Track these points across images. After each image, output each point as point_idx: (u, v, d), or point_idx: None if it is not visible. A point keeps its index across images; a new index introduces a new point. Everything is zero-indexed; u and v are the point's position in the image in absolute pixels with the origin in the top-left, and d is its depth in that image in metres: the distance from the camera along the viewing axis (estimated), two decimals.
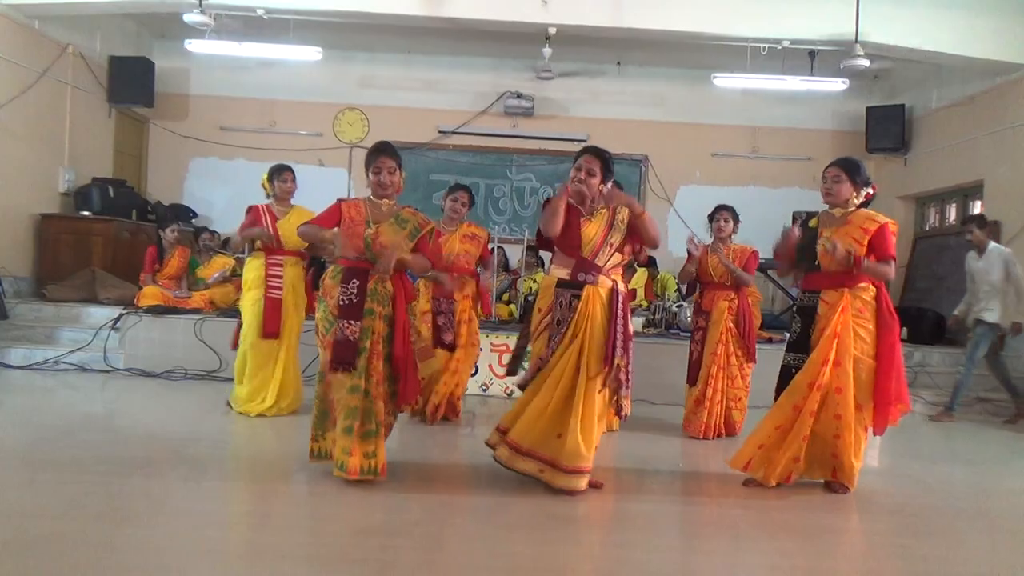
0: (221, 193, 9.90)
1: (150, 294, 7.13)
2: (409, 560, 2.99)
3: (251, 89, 10.02)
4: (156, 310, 6.96)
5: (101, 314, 7.18)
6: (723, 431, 5.32)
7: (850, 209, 4.02)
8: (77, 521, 3.15)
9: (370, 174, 3.80)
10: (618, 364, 3.70)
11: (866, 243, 3.91)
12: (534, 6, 7.63)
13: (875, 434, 3.99)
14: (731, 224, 5.44)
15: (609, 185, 3.83)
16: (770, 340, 7.01)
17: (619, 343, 3.70)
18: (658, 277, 8.97)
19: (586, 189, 3.76)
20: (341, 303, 3.62)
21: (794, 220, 4.28)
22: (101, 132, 9.34)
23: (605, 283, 3.79)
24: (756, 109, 10.15)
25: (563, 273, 3.81)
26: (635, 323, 7.35)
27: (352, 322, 3.61)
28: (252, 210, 5.37)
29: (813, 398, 3.81)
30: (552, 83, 9.81)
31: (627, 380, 3.77)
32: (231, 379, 5.48)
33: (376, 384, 3.67)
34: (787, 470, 3.92)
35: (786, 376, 3.97)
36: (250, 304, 5.30)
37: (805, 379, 3.85)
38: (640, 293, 8.40)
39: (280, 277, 5.28)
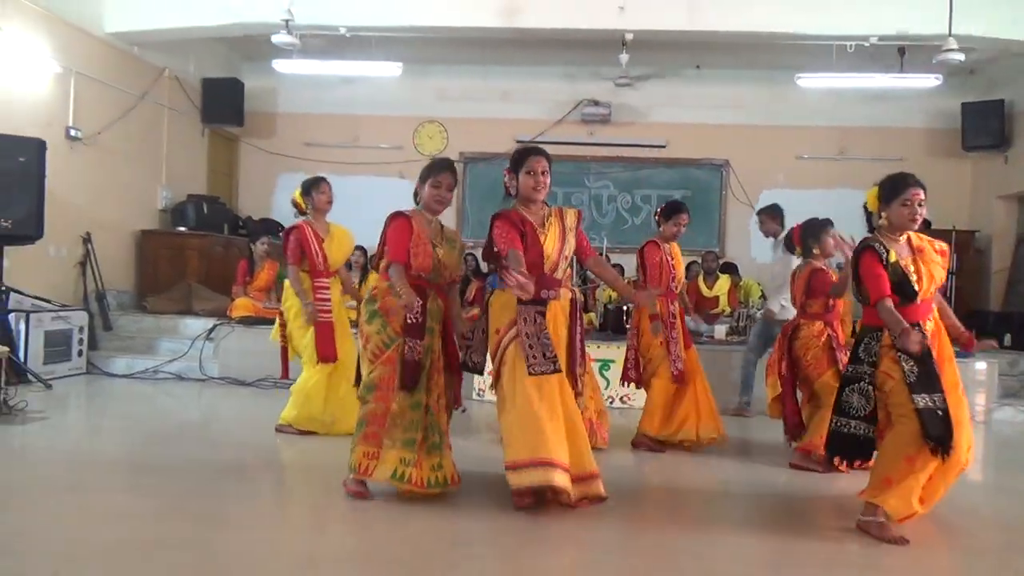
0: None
1: (241, 305, 7.42)
2: (493, 570, 3.00)
3: (335, 105, 10.31)
4: (247, 321, 7.22)
5: (197, 325, 7.51)
6: None
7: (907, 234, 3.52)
8: (178, 524, 3.29)
9: (428, 187, 3.72)
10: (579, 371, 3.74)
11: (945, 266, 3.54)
12: (610, 13, 7.61)
13: None
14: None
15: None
16: None
17: (579, 351, 3.74)
18: (741, 284, 8.78)
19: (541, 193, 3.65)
20: (409, 321, 3.56)
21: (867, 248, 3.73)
22: (195, 151, 9.80)
23: (565, 295, 3.73)
24: (843, 109, 9.82)
25: None
26: (718, 331, 7.23)
27: (418, 342, 3.57)
28: (296, 230, 5.03)
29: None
30: (629, 89, 9.73)
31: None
32: None
33: (437, 398, 3.68)
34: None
35: (934, 419, 3.25)
36: (302, 330, 5.06)
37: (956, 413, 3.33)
38: (723, 300, 8.25)
39: (328, 300, 5.06)
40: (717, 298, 8.25)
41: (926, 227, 8.65)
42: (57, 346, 6.74)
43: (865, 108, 9.77)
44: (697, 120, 10.10)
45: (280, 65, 8.77)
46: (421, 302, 3.55)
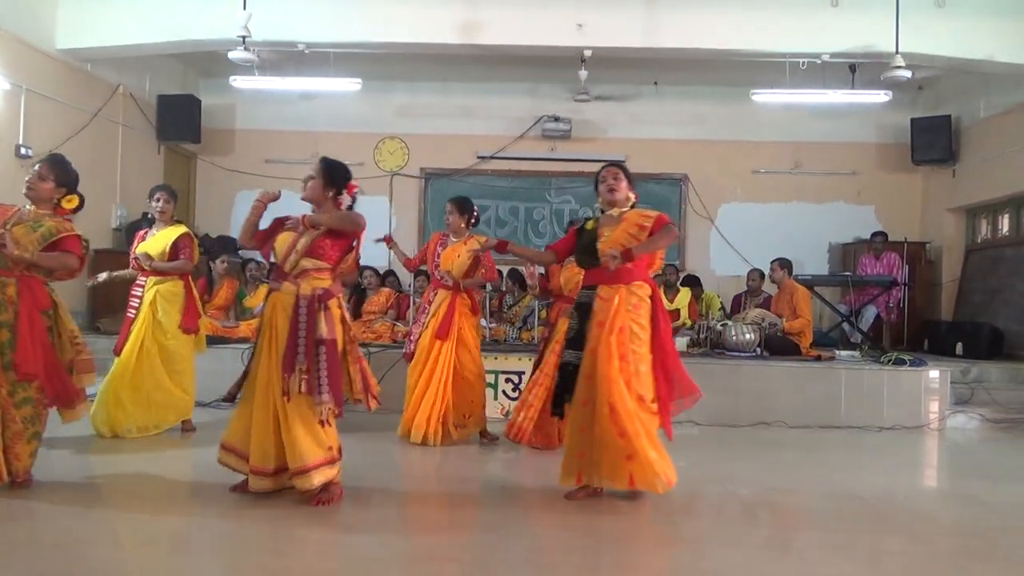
0: (267, 224, 10.04)
1: (200, 325, 7.26)
2: None
3: (294, 122, 10.23)
4: (206, 340, 7.07)
5: None
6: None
7: (625, 209, 4.07)
8: (130, 550, 3.21)
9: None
10: (300, 369, 3.60)
11: (644, 237, 3.94)
12: (569, 30, 7.69)
13: (667, 435, 3.96)
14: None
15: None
16: (819, 357, 6.87)
17: (301, 349, 3.62)
18: (702, 296, 8.89)
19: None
20: None
21: (571, 224, 4.26)
22: (151, 168, 9.63)
23: (289, 289, 3.81)
24: (797, 124, 10.03)
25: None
26: (680, 343, 7.28)
27: None
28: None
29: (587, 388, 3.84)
30: (589, 105, 9.84)
31: (321, 387, 3.62)
32: None
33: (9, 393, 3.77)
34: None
35: (568, 374, 3.96)
36: None
37: (584, 372, 3.86)
38: (684, 313, 8.33)
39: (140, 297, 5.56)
40: (678, 311, 8.33)
41: (883, 239, 8.90)
42: None
43: (819, 123, 9.99)
44: (656, 136, 10.23)
45: (238, 82, 8.68)
46: None
